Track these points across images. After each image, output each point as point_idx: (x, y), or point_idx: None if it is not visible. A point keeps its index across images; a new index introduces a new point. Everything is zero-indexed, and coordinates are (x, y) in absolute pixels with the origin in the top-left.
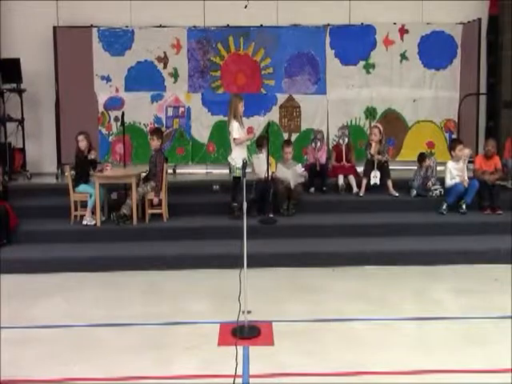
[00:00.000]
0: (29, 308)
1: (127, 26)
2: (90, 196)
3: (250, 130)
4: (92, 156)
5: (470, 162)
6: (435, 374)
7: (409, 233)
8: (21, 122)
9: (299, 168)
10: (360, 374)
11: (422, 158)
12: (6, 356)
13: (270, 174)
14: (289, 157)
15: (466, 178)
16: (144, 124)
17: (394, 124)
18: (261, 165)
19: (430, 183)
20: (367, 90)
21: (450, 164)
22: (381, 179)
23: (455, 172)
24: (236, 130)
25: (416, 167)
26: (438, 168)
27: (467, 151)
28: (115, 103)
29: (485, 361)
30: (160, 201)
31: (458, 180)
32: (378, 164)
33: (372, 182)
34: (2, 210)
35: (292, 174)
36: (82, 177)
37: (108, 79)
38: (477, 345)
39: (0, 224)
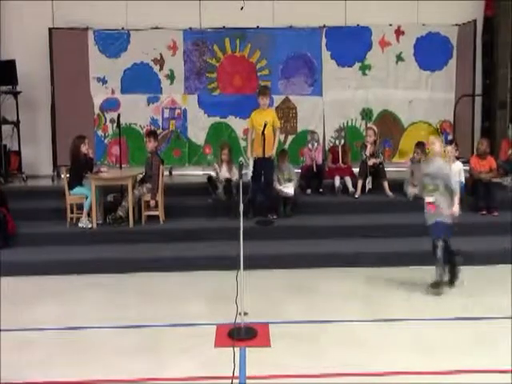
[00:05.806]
0: (24, 311)
1: (123, 28)
2: (86, 198)
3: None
4: (91, 155)
5: (464, 162)
6: (434, 375)
7: (405, 233)
8: (16, 124)
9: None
10: (357, 375)
11: (421, 145)
12: (5, 359)
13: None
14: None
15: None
16: (140, 126)
17: (389, 125)
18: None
19: None
20: (363, 91)
21: None
22: (377, 180)
23: None
24: None
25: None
26: None
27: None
28: (111, 105)
29: (485, 362)
30: (156, 203)
31: None
32: (372, 166)
33: (367, 188)
34: (0, 216)
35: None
36: (76, 179)
37: (104, 81)
38: (476, 346)
39: None
